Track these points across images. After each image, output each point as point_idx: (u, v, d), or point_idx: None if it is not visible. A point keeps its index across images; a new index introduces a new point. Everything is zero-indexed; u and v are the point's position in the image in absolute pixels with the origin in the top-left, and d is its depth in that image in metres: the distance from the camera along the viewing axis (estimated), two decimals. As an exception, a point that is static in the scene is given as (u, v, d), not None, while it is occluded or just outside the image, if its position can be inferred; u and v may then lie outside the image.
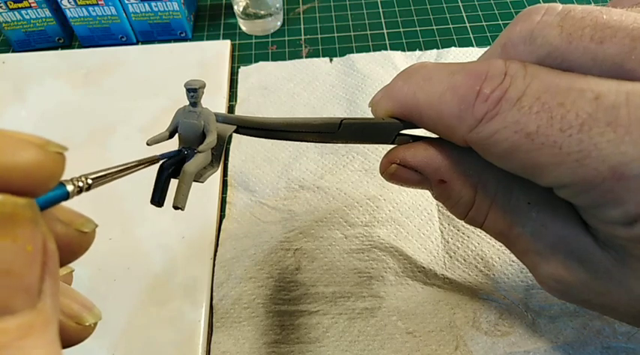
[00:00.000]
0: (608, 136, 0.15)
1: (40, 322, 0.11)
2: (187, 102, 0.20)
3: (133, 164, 0.16)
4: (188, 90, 0.20)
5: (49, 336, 0.12)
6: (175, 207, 0.19)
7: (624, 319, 0.19)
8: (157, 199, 0.19)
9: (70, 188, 0.13)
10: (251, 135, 0.21)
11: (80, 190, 0.14)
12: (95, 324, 0.16)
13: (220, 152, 0.21)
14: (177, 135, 0.20)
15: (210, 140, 0.19)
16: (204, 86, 0.20)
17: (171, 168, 0.19)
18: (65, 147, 0.12)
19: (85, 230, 0.15)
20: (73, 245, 0.14)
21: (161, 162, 0.19)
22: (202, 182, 0.20)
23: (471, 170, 0.19)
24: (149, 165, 0.18)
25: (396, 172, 0.21)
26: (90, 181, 0.14)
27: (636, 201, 0.15)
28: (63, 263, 0.14)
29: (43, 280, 0.12)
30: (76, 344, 0.16)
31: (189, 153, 0.20)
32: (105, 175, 0.15)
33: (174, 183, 0.20)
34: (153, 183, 0.19)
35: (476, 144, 0.17)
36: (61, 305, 0.15)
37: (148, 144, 0.20)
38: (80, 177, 0.14)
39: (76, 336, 0.15)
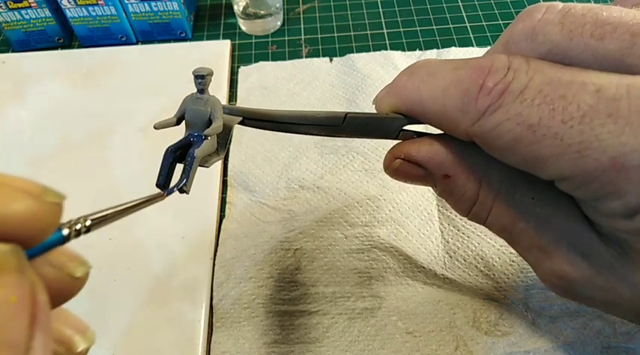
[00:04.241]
0: (609, 127, 0.15)
1: None
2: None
3: (136, 202, 0.16)
4: (196, 77, 0.20)
5: None
6: (181, 191, 0.19)
7: (627, 316, 0.19)
8: (162, 183, 0.19)
9: (65, 232, 0.12)
10: (256, 127, 0.21)
11: (78, 233, 0.13)
12: (87, 350, 0.14)
13: (226, 140, 0.21)
14: (184, 121, 0.21)
15: (217, 125, 0.20)
16: (211, 73, 0.20)
17: (177, 152, 0.20)
18: (63, 196, 0.12)
19: (78, 275, 0.13)
20: (63, 290, 0.13)
21: (165, 191, 0.19)
22: (208, 167, 0.20)
23: (475, 165, 0.19)
24: (154, 202, 0.17)
25: (400, 167, 0.21)
26: (89, 223, 0.13)
27: (636, 192, 0.15)
28: (51, 308, 0.13)
29: (33, 336, 0.11)
30: None
31: (195, 138, 0.20)
32: (105, 216, 0.14)
33: (178, 170, 0.20)
34: (153, 183, 0.20)
35: (479, 137, 0.17)
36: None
37: (155, 128, 0.20)
38: (79, 218, 0.13)
39: None
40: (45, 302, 0.12)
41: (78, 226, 0.13)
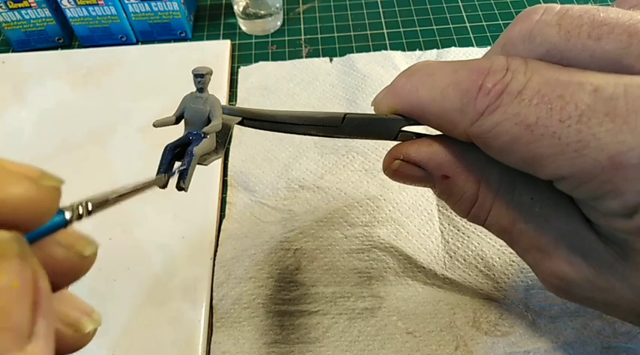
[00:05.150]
0: (607, 126, 0.15)
1: None
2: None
3: (138, 186, 0.16)
4: (195, 76, 0.20)
5: None
6: (179, 189, 0.19)
7: (627, 318, 0.19)
8: None
9: (68, 216, 0.13)
10: (255, 128, 0.21)
11: (80, 217, 0.13)
12: (95, 330, 0.15)
13: (225, 140, 0.21)
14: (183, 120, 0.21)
15: (216, 123, 0.20)
16: (211, 73, 0.20)
17: (175, 150, 0.20)
18: (61, 180, 0.12)
19: (87, 253, 0.14)
20: (73, 269, 0.14)
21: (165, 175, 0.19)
22: (206, 165, 0.21)
23: (474, 166, 0.19)
24: (155, 185, 0.17)
25: (399, 168, 0.21)
26: (90, 207, 0.13)
27: (634, 190, 0.15)
28: (62, 286, 0.14)
29: (35, 321, 0.11)
30: (74, 352, 0.15)
31: (194, 137, 0.20)
32: (107, 199, 0.14)
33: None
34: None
35: (477, 137, 0.17)
36: (58, 312, 0.14)
37: (154, 126, 0.20)
38: (81, 202, 0.13)
39: (73, 344, 0.15)
40: (46, 288, 0.12)
41: (80, 209, 0.13)
